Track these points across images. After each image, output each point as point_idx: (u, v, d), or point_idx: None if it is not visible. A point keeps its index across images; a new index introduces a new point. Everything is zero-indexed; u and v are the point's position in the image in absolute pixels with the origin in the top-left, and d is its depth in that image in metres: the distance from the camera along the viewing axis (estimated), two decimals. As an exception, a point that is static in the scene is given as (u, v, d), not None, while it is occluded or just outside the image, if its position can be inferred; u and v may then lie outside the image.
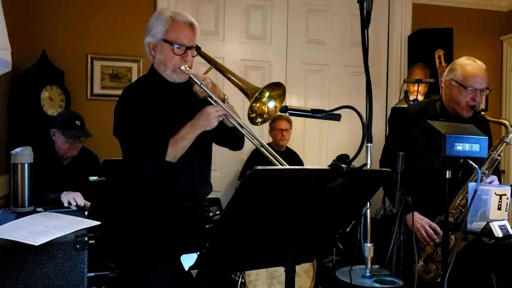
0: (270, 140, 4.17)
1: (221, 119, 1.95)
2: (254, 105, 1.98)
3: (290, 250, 1.45)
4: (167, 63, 2.01)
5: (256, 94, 1.93)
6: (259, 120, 2.02)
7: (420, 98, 4.14)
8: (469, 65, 2.56)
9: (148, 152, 1.92)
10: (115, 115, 2.04)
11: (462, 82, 2.53)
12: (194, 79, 1.96)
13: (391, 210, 2.24)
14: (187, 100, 2.06)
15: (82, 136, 3.06)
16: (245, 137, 2.12)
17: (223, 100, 1.97)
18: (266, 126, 4.16)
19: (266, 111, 2.01)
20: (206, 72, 2.10)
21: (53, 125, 3.05)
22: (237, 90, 2.05)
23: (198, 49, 2.11)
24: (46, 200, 2.64)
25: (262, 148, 1.90)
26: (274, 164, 1.86)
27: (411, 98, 4.22)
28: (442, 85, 2.71)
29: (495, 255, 2.53)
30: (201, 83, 1.94)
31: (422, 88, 4.17)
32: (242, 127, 1.95)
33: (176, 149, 1.93)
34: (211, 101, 1.96)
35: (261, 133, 4.27)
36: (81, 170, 3.04)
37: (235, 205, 1.30)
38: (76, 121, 3.05)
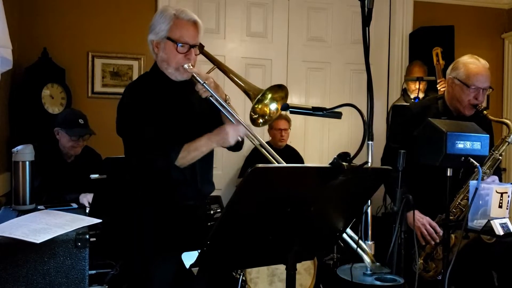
0: (269, 138, 4.16)
1: (239, 139, 1.95)
2: (256, 106, 1.97)
3: (291, 248, 1.45)
4: (170, 61, 2.00)
5: (259, 96, 1.92)
6: (261, 121, 2.01)
7: (420, 96, 4.13)
8: (472, 63, 2.55)
9: (157, 154, 1.91)
10: (118, 112, 2.03)
11: (464, 80, 2.53)
12: (197, 78, 1.95)
13: (392, 208, 2.24)
14: (189, 98, 2.06)
15: (86, 134, 3.10)
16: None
17: (225, 101, 1.96)
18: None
19: (268, 112, 2.00)
20: (209, 72, 2.09)
21: (56, 124, 3.08)
22: (238, 90, 2.04)
23: (201, 47, 2.10)
24: (63, 200, 2.69)
25: (261, 148, 1.89)
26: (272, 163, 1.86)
27: (412, 96, 4.21)
28: (439, 82, 2.70)
29: (496, 253, 2.54)
30: (204, 82, 1.93)
31: (421, 86, 4.16)
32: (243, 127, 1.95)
33: (185, 158, 1.93)
34: (213, 102, 1.95)
35: (261, 131, 4.26)
36: (85, 168, 3.07)
37: (236, 203, 1.30)
38: (80, 120, 3.08)
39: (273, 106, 2.00)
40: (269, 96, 1.97)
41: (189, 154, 1.93)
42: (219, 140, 1.93)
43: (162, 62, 2.03)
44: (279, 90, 1.98)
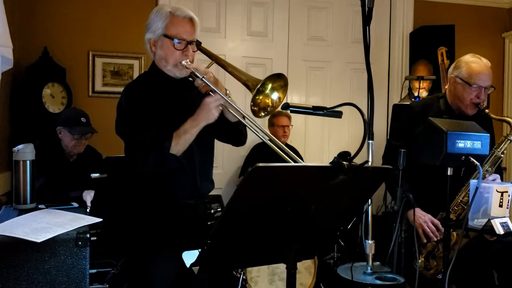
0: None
1: (221, 108, 1.93)
2: (256, 97, 1.94)
3: (292, 247, 1.45)
4: (168, 58, 2.00)
5: (258, 86, 1.90)
6: (263, 113, 1.98)
7: (424, 95, 4.13)
8: (474, 62, 2.56)
9: (152, 147, 1.91)
10: (117, 113, 2.04)
11: (467, 79, 2.53)
12: (196, 73, 1.95)
13: (392, 207, 2.24)
14: (188, 95, 2.06)
15: (88, 132, 3.12)
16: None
17: (225, 94, 1.95)
18: (265, 122, 4.16)
19: (270, 103, 1.97)
20: (207, 67, 2.09)
21: (58, 123, 3.09)
22: (239, 87, 2.04)
23: (198, 44, 2.10)
24: (67, 198, 2.70)
25: (269, 142, 1.86)
26: (282, 158, 1.83)
27: (415, 94, 4.21)
28: (444, 82, 2.70)
29: (496, 252, 2.54)
30: (203, 77, 1.93)
31: (426, 84, 4.16)
32: (244, 118, 1.94)
33: (178, 143, 1.92)
34: (212, 94, 1.94)
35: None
36: (87, 167, 3.08)
37: (236, 202, 1.30)
38: (82, 118, 3.10)
39: (275, 96, 1.96)
40: (269, 86, 1.94)
41: (180, 138, 1.92)
42: (203, 114, 1.91)
43: (160, 60, 2.03)
44: (278, 79, 1.95)
